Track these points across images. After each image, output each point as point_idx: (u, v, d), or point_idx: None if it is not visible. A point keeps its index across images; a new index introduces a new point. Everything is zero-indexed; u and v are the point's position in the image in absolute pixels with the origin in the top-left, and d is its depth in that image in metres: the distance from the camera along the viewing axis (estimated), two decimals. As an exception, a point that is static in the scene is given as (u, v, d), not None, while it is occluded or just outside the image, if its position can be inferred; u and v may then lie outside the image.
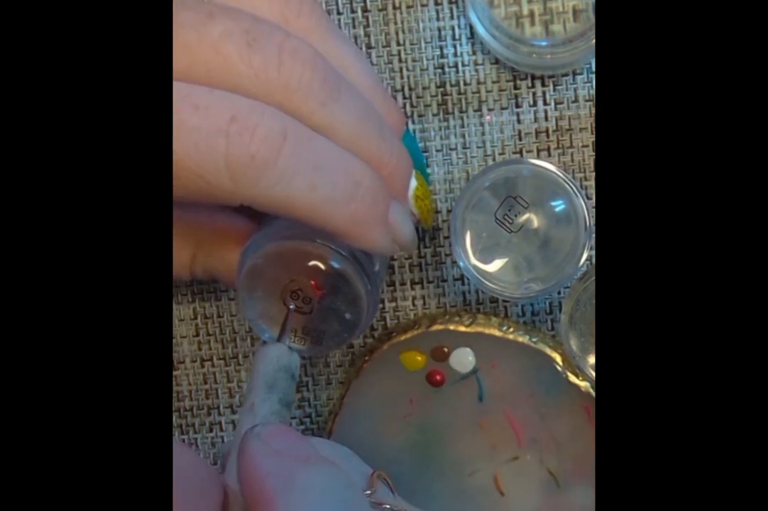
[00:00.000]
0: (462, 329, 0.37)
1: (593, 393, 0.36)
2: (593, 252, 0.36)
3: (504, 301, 0.38)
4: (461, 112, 0.37)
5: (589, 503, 0.37)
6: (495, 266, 0.34)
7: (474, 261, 0.34)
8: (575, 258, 0.33)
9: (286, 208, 0.29)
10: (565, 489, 0.37)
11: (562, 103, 0.37)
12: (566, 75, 0.37)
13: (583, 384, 0.36)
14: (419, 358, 0.37)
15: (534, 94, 0.37)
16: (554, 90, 0.37)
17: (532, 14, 0.36)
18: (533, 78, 0.37)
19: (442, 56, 0.37)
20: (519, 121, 0.37)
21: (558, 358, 0.37)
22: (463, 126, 0.38)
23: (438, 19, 0.37)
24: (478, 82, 0.37)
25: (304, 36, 0.30)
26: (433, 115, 0.38)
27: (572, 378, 0.37)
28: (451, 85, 0.37)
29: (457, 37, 0.37)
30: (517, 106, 0.37)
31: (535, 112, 0.37)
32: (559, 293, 0.38)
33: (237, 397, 0.40)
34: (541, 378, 0.37)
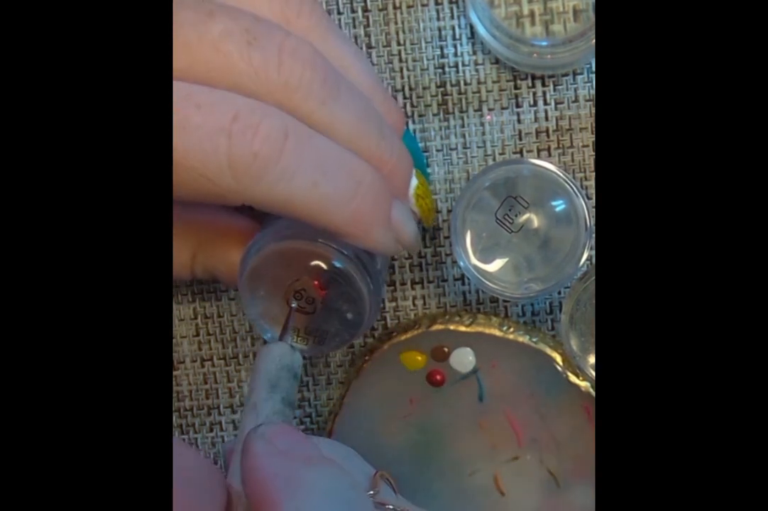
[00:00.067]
0: (462, 329, 0.37)
1: (593, 393, 0.36)
2: (593, 252, 0.36)
3: (504, 301, 0.38)
4: (461, 112, 0.37)
5: (589, 503, 0.37)
6: (495, 265, 0.34)
7: (474, 261, 0.34)
8: (575, 258, 0.33)
9: (288, 206, 0.29)
10: (565, 489, 0.37)
11: (562, 103, 0.37)
12: (566, 75, 0.37)
13: (583, 384, 0.36)
14: (419, 358, 0.37)
15: (534, 94, 0.37)
16: (554, 90, 0.37)
17: (532, 14, 0.36)
18: (533, 78, 0.37)
19: (442, 56, 0.37)
20: (519, 121, 0.37)
21: (558, 358, 0.37)
22: (463, 126, 0.38)
23: (438, 18, 0.37)
24: (479, 82, 0.37)
25: (305, 35, 0.30)
26: (434, 115, 0.38)
27: (572, 378, 0.37)
28: (452, 85, 0.37)
29: (457, 37, 0.37)
30: (518, 106, 0.37)
31: (536, 112, 0.37)
32: (559, 293, 0.38)
33: (237, 397, 0.40)
34: (541, 378, 0.37)
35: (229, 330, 0.40)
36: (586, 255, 0.33)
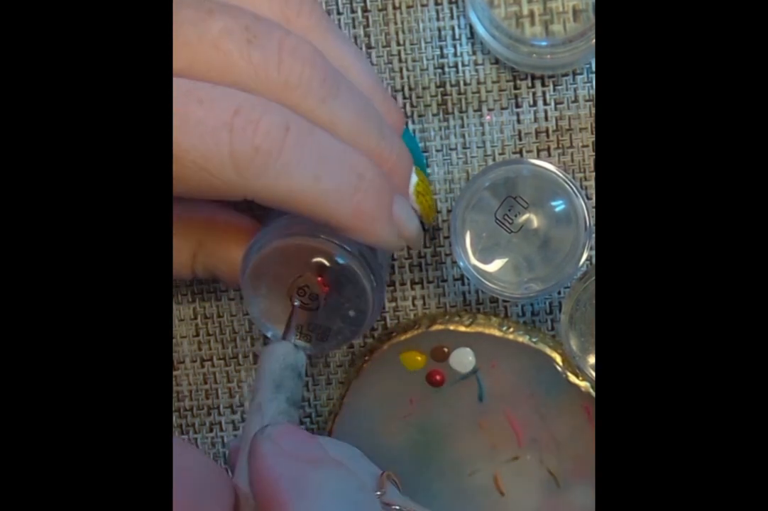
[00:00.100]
0: (462, 329, 0.37)
1: (593, 393, 0.36)
2: (593, 252, 0.36)
3: (504, 301, 0.38)
4: (461, 112, 0.37)
5: (589, 503, 0.37)
6: (495, 265, 0.34)
7: (474, 261, 0.34)
8: (575, 258, 0.33)
9: (289, 201, 0.29)
10: (565, 489, 0.37)
11: (562, 103, 0.37)
12: (566, 75, 0.37)
13: (583, 384, 0.36)
14: (419, 358, 0.37)
15: (534, 94, 0.37)
16: (554, 90, 0.37)
17: (532, 14, 0.36)
18: (533, 78, 0.37)
19: (442, 56, 0.37)
20: (519, 121, 0.37)
21: (558, 358, 0.37)
22: (463, 126, 0.38)
23: (438, 19, 0.37)
24: (478, 82, 0.37)
25: (304, 35, 0.30)
26: (433, 115, 0.38)
27: (572, 378, 0.37)
28: (451, 85, 0.37)
29: (457, 37, 0.37)
30: (517, 106, 0.37)
31: (535, 112, 0.37)
32: (559, 293, 0.38)
33: (237, 397, 0.40)
34: (541, 378, 0.37)
35: (229, 330, 0.40)
36: (586, 255, 0.33)
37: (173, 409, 0.40)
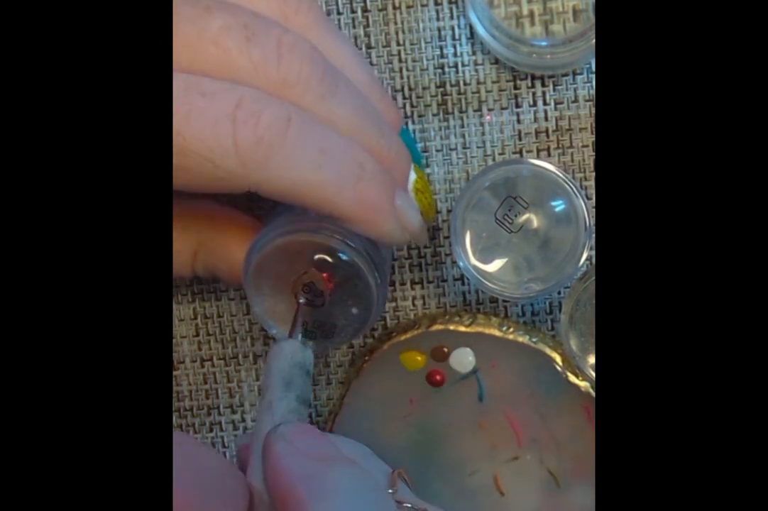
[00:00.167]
0: (462, 329, 0.37)
1: (593, 393, 0.36)
2: (593, 252, 0.36)
3: (504, 301, 0.38)
4: (461, 112, 0.37)
5: (589, 503, 0.37)
6: (495, 265, 0.34)
7: (474, 261, 0.34)
8: (575, 258, 0.33)
9: (292, 191, 0.29)
10: (565, 489, 0.37)
11: (562, 103, 0.37)
12: (566, 75, 0.37)
13: (583, 384, 0.36)
14: (419, 358, 0.37)
15: (534, 94, 0.37)
16: (554, 90, 0.37)
17: (532, 14, 0.36)
18: (533, 78, 0.37)
19: (442, 56, 0.37)
20: (519, 121, 0.37)
21: (558, 358, 0.37)
22: (463, 126, 0.38)
23: (438, 19, 0.37)
24: (478, 82, 0.37)
25: (302, 33, 0.30)
26: (433, 115, 0.38)
27: (572, 378, 0.37)
28: (451, 85, 0.37)
29: (457, 37, 0.37)
30: (517, 106, 0.37)
31: (535, 112, 0.37)
32: (559, 293, 0.38)
33: (237, 397, 0.40)
34: (541, 378, 0.37)
35: (229, 330, 0.40)
36: (586, 255, 0.33)
37: (173, 409, 0.40)
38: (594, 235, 0.33)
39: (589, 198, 0.37)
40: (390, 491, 0.29)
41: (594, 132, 0.37)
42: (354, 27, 0.37)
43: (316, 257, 0.32)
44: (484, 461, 0.37)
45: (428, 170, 0.38)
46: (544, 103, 0.37)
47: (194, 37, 0.28)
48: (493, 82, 0.37)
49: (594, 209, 0.36)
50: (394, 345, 0.38)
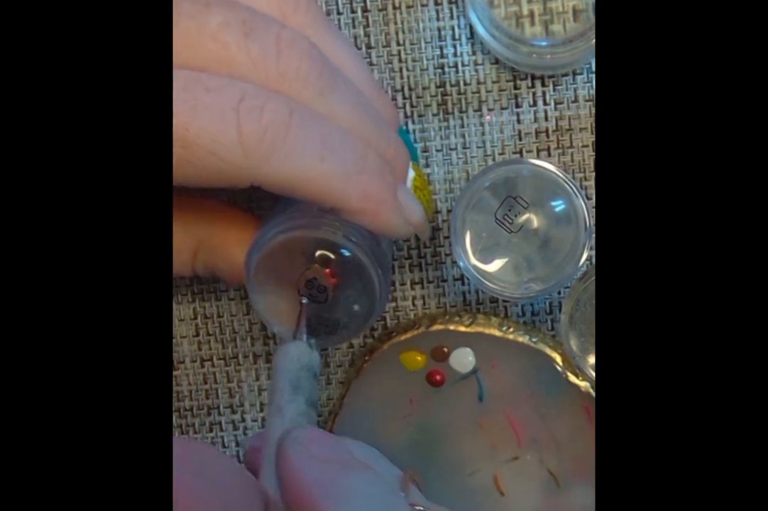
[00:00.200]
0: (462, 329, 0.37)
1: (593, 393, 0.36)
2: (593, 252, 0.36)
3: (504, 301, 0.38)
4: (461, 112, 0.37)
5: (589, 503, 0.37)
6: (495, 265, 0.34)
7: (474, 261, 0.34)
8: (575, 258, 0.33)
9: (297, 184, 0.29)
10: (565, 489, 0.37)
11: (562, 103, 0.37)
12: (566, 75, 0.37)
13: (583, 384, 0.36)
14: (419, 358, 0.37)
15: (534, 94, 0.37)
16: (554, 90, 0.37)
17: (532, 14, 0.36)
18: (533, 78, 0.37)
19: (442, 56, 0.37)
20: (519, 121, 0.37)
21: (558, 358, 0.37)
22: (463, 126, 0.38)
23: (438, 19, 0.37)
24: (478, 82, 0.37)
25: (301, 31, 0.31)
26: (433, 115, 0.38)
27: (572, 378, 0.37)
28: (451, 85, 0.37)
29: (457, 37, 0.37)
30: (517, 106, 0.37)
31: (535, 112, 0.37)
32: (559, 293, 0.38)
33: (237, 397, 0.40)
34: (541, 378, 0.37)
35: (229, 330, 0.40)
36: (586, 255, 0.33)
37: (173, 409, 0.40)
38: (594, 235, 0.33)
39: (589, 198, 0.37)
40: (402, 494, 0.29)
41: (594, 132, 0.37)
42: (354, 27, 0.37)
43: (319, 252, 0.32)
44: (484, 461, 0.37)
45: (428, 170, 0.38)
46: (544, 103, 0.37)
47: (193, 33, 0.28)
48: (493, 82, 0.37)
49: (594, 209, 0.36)
50: (394, 345, 0.38)
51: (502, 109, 0.37)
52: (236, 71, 0.29)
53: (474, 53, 0.37)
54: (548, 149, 0.37)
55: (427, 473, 0.37)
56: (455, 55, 0.37)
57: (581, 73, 0.37)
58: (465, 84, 0.37)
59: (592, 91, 0.37)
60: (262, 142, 0.28)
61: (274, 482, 0.26)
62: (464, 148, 0.38)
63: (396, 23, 0.37)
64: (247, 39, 0.29)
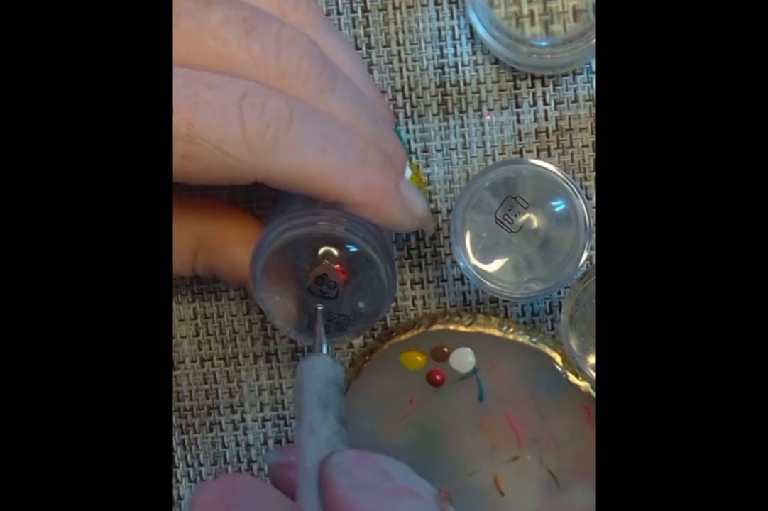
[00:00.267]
0: (462, 329, 0.37)
1: (593, 393, 0.36)
2: (593, 252, 0.36)
3: (504, 301, 0.38)
4: (461, 112, 0.37)
5: (589, 503, 0.37)
6: (495, 265, 0.34)
7: (474, 261, 0.34)
8: (575, 258, 0.33)
9: (300, 177, 0.29)
10: (565, 489, 0.37)
11: (562, 103, 0.37)
12: (566, 75, 0.37)
13: (583, 384, 0.36)
14: (419, 358, 0.37)
15: (534, 94, 0.37)
16: (554, 90, 0.37)
17: (532, 14, 0.36)
18: (533, 78, 0.37)
19: (442, 56, 0.37)
20: (519, 121, 0.37)
21: (558, 358, 0.37)
22: (463, 126, 0.38)
23: (438, 19, 0.37)
24: (478, 82, 0.37)
25: (300, 29, 0.31)
26: (433, 115, 0.38)
27: (572, 378, 0.37)
28: (451, 85, 0.37)
29: (457, 37, 0.37)
30: (517, 106, 0.37)
31: (535, 112, 0.37)
32: (559, 293, 0.38)
33: (237, 397, 0.40)
34: (541, 378, 0.37)
35: (229, 330, 0.39)
36: (586, 255, 0.33)
37: (173, 409, 0.40)
38: (594, 235, 0.33)
39: (589, 198, 0.37)
40: None
41: (594, 132, 0.37)
42: (354, 27, 0.37)
43: (326, 249, 0.31)
44: (484, 461, 0.37)
45: (428, 170, 0.38)
46: (544, 103, 0.37)
47: (194, 30, 0.28)
48: (493, 82, 0.37)
49: (594, 209, 0.36)
50: (394, 345, 0.38)
51: (502, 109, 0.37)
52: (237, 69, 0.29)
53: (474, 53, 0.37)
54: (548, 149, 0.37)
55: (427, 473, 0.37)
56: (455, 55, 0.37)
57: (581, 73, 0.37)
58: (465, 84, 0.37)
59: (592, 91, 0.37)
60: (264, 137, 0.28)
61: (315, 507, 0.25)
62: (464, 148, 0.38)
63: (396, 23, 0.37)
64: (247, 37, 0.29)
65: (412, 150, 0.38)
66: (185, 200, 0.33)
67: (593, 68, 0.37)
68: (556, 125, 0.37)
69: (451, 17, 0.37)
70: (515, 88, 0.37)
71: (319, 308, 0.32)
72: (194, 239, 0.34)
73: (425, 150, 0.38)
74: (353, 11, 0.37)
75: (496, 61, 0.37)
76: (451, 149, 0.38)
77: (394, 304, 0.39)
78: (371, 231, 0.31)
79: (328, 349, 0.31)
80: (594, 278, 0.34)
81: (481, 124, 0.37)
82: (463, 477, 0.37)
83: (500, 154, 0.38)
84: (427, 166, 0.38)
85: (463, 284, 0.38)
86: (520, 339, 0.37)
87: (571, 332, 0.35)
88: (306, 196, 0.31)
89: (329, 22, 0.33)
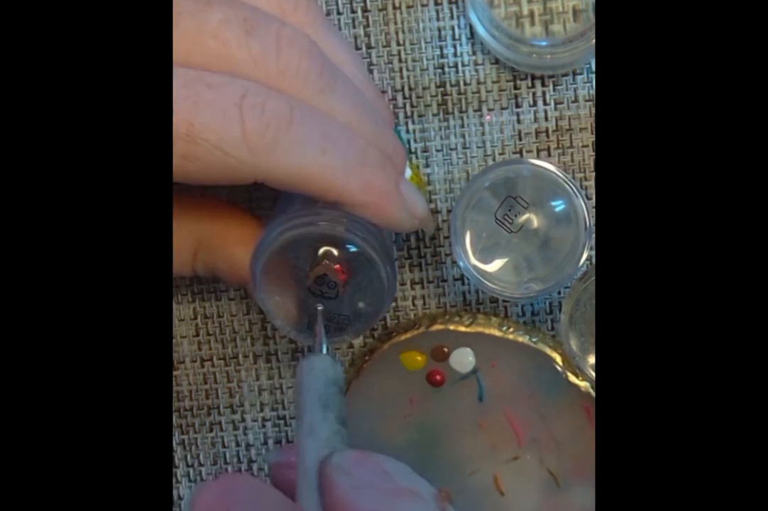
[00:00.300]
0: (462, 329, 0.37)
1: (593, 393, 0.36)
2: (593, 252, 0.36)
3: (504, 301, 0.38)
4: (461, 112, 0.37)
5: (589, 503, 0.37)
6: (495, 265, 0.34)
7: (474, 261, 0.34)
8: (575, 258, 0.33)
9: (300, 177, 0.29)
10: (565, 489, 0.37)
11: (562, 103, 0.37)
12: (566, 75, 0.37)
13: (583, 384, 0.36)
14: (419, 358, 0.37)
15: (534, 94, 0.37)
16: (554, 90, 0.37)
17: (532, 14, 0.36)
18: (533, 78, 0.37)
19: (442, 56, 0.37)
20: (519, 121, 0.37)
21: (558, 358, 0.37)
22: (463, 126, 0.38)
23: (438, 19, 0.37)
24: (478, 82, 0.37)
25: (300, 29, 0.31)
26: (433, 115, 0.38)
27: (572, 378, 0.37)
28: (451, 85, 0.37)
29: (457, 37, 0.37)
30: (517, 106, 0.37)
31: (535, 112, 0.37)
32: (559, 293, 0.38)
33: (237, 397, 0.40)
34: (541, 378, 0.37)
35: (229, 330, 0.40)
36: (586, 255, 0.33)
37: (173, 409, 0.40)
38: (594, 235, 0.33)
39: (589, 198, 0.37)
40: None
41: (594, 132, 0.37)
42: (354, 27, 0.37)
43: (325, 249, 0.31)
44: (484, 461, 0.37)
45: (428, 170, 0.38)
46: (544, 103, 0.37)
47: (194, 30, 0.28)
48: (493, 82, 0.37)
49: (594, 209, 0.36)
50: (394, 345, 0.38)
51: (502, 109, 0.37)
52: (237, 69, 0.29)
53: (474, 53, 0.37)
54: (548, 149, 0.37)
55: (427, 473, 0.37)
56: (455, 55, 0.37)
57: (581, 73, 0.37)
58: (465, 84, 0.37)
59: (592, 91, 0.37)
60: (264, 137, 0.28)
61: (315, 507, 0.25)
62: (464, 148, 0.38)
63: (396, 23, 0.37)
64: (247, 36, 0.29)
65: (412, 150, 0.38)
66: (185, 200, 0.33)
67: (593, 68, 0.37)
68: (556, 125, 0.37)
69: (451, 17, 0.37)
70: (515, 88, 0.37)
71: (319, 308, 0.32)
72: (194, 239, 0.34)
73: (425, 150, 0.38)
74: (353, 11, 0.37)
75: (496, 61, 0.37)
76: (451, 149, 0.38)
77: (394, 304, 0.39)
78: (371, 231, 0.31)
79: (328, 349, 0.31)
80: (594, 278, 0.34)
81: (481, 124, 0.37)
82: (463, 477, 0.37)
83: (500, 154, 0.38)
84: (427, 166, 0.38)
85: (463, 284, 0.38)
86: (520, 339, 0.37)
87: (571, 332, 0.35)
88: (306, 196, 0.31)
89: (329, 22, 0.33)
